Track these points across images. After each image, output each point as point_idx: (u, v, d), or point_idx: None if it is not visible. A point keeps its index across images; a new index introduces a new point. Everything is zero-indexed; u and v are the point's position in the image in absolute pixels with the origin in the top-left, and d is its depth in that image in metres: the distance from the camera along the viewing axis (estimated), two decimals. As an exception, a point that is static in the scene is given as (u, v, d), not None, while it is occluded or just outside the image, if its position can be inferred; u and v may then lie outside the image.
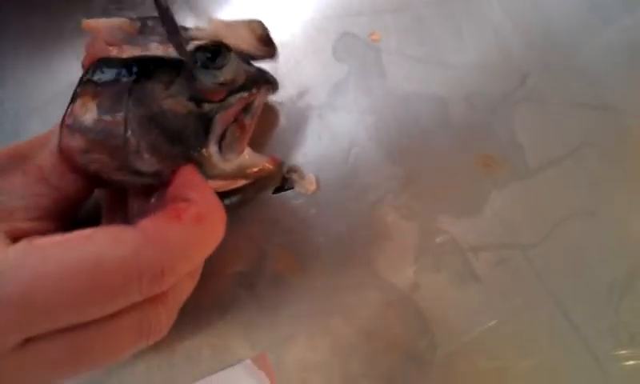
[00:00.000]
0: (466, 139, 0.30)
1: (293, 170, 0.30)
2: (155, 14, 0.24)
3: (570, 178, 0.30)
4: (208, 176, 0.25)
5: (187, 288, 0.23)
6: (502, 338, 0.28)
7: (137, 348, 0.21)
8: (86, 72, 0.21)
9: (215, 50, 0.23)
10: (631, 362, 0.28)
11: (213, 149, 0.25)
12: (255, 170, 0.27)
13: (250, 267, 0.29)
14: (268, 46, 0.27)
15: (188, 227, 0.20)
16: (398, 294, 0.29)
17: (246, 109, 0.26)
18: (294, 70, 0.31)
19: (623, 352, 0.28)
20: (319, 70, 0.31)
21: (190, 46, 0.23)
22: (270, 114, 0.31)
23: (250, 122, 0.26)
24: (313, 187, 0.29)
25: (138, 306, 0.20)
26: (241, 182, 0.28)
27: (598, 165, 0.30)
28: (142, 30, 0.23)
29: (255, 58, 0.27)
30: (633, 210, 0.29)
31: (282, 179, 0.29)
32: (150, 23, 0.23)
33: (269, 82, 0.27)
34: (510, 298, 0.29)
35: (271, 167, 0.28)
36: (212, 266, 0.29)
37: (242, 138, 0.26)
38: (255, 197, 0.30)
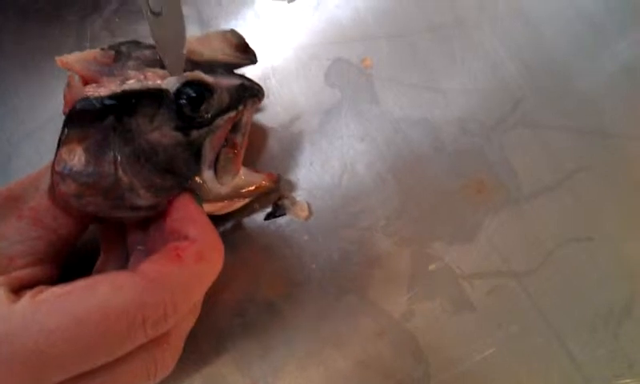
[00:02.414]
0: (459, 165, 0.30)
1: (285, 196, 0.29)
2: (128, 39, 0.24)
3: (565, 204, 0.29)
4: (204, 200, 0.25)
5: (189, 322, 0.24)
6: (498, 367, 0.28)
7: None
8: (67, 117, 0.21)
9: (197, 95, 0.23)
10: (631, 391, 0.27)
11: (207, 175, 0.24)
12: (252, 188, 0.27)
13: (242, 294, 0.29)
14: (246, 53, 0.26)
15: (189, 267, 0.21)
16: (391, 322, 0.28)
17: (235, 127, 0.26)
18: (286, 95, 0.31)
19: (622, 381, 0.28)
20: (311, 96, 0.31)
21: (171, 84, 0.23)
22: (257, 133, 0.31)
23: (241, 140, 0.26)
24: (305, 214, 0.29)
25: (143, 347, 0.20)
26: (239, 203, 0.28)
27: (592, 189, 0.29)
28: (118, 58, 0.23)
29: (236, 67, 0.27)
30: (629, 235, 0.29)
31: (274, 205, 0.29)
32: (123, 49, 0.23)
33: (253, 95, 0.26)
34: (505, 327, 0.28)
35: (268, 184, 0.28)
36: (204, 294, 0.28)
37: (236, 159, 0.26)
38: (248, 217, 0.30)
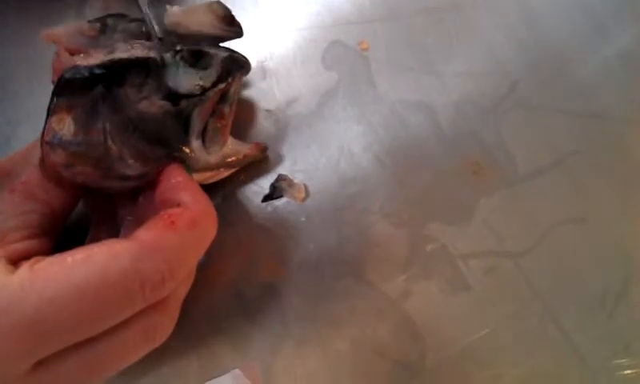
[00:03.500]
0: (455, 147, 0.30)
1: (282, 178, 0.30)
2: (113, 11, 0.24)
3: (560, 185, 0.29)
4: (193, 170, 0.25)
5: (185, 287, 0.24)
6: (493, 346, 0.28)
7: (145, 351, 0.22)
8: (56, 87, 0.21)
9: (196, 53, 0.23)
10: (628, 372, 0.28)
11: (195, 144, 0.25)
12: (240, 157, 0.28)
13: (239, 275, 0.29)
14: (232, 25, 0.26)
15: (183, 233, 0.21)
16: (388, 302, 0.29)
17: (223, 98, 0.26)
18: (284, 78, 0.31)
19: (618, 361, 0.28)
20: (308, 79, 0.31)
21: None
22: (255, 115, 0.31)
23: (229, 110, 0.27)
24: (302, 195, 0.29)
25: (142, 313, 0.20)
26: (227, 172, 0.28)
27: (587, 171, 0.30)
28: (103, 30, 0.23)
29: (222, 40, 0.27)
30: (624, 216, 0.29)
31: (271, 187, 0.30)
32: (109, 22, 0.24)
33: (241, 67, 0.27)
34: (500, 306, 0.28)
35: (255, 153, 0.29)
36: (201, 275, 0.29)
37: (224, 129, 0.27)
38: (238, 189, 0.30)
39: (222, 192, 0.30)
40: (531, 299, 0.28)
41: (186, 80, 0.23)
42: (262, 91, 0.31)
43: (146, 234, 0.20)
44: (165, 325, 0.22)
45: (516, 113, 0.30)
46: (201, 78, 0.23)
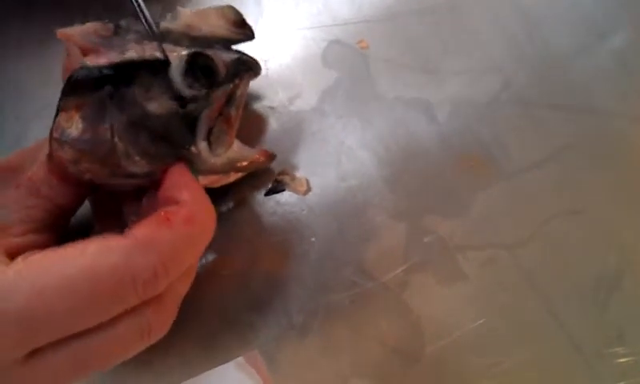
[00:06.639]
0: (452, 142, 0.31)
1: (284, 172, 0.30)
2: (128, 13, 0.25)
3: (555, 178, 0.30)
4: (199, 171, 0.25)
5: (184, 286, 0.24)
6: (490, 335, 0.29)
7: (140, 348, 0.22)
8: (65, 85, 0.22)
9: (205, 68, 0.24)
10: (622, 360, 0.28)
11: (201, 145, 0.25)
12: (246, 162, 0.28)
13: (242, 267, 0.30)
14: (244, 29, 0.27)
15: (178, 229, 0.21)
16: (388, 292, 0.29)
17: (229, 100, 0.26)
18: (285, 76, 0.32)
19: (612, 350, 0.28)
20: (309, 77, 0.32)
21: (179, 54, 0.24)
22: (257, 112, 0.32)
23: (235, 113, 0.27)
24: (303, 189, 0.30)
25: (137, 309, 0.20)
26: (234, 177, 0.29)
27: (581, 165, 0.30)
28: (117, 31, 0.24)
29: (233, 43, 0.27)
30: (617, 208, 0.30)
31: (274, 181, 0.30)
32: (123, 23, 0.24)
33: (250, 69, 0.27)
34: (497, 297, 0.29)
35: (262, 159, 0.29)
36: (205, 266, 0.30)
37: (230, 131, 0.27)
38: (249, 194, 0.31)
39: (237, 197, 0.31)
40: (527, 289, 0.29)
41: (182, 85, 0.23)
42: (263, 89, 0.32)
43: (140, 231, 0.20)
44: (160, 322, 0.22)
45: (511, 108, 0.31)
46: (197, 90, 0.24)
